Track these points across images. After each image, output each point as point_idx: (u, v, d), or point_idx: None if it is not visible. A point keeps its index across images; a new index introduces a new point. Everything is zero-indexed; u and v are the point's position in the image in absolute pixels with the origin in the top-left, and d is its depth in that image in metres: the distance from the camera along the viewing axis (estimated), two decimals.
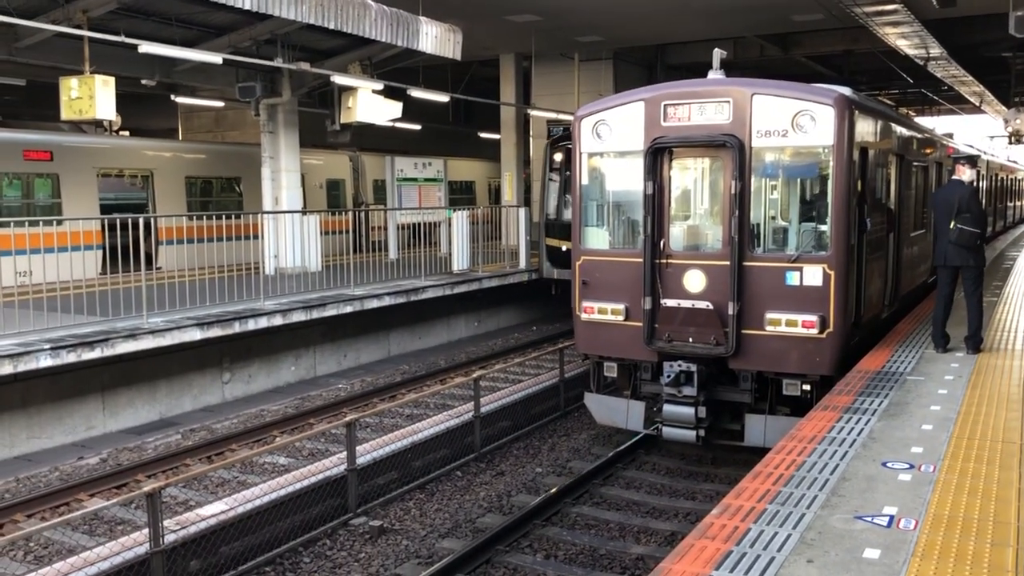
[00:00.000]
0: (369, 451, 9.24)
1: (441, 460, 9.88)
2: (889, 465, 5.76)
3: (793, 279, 8.82)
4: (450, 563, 7.31)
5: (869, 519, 4.85)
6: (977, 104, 31.45)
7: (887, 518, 4.86)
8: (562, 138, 17.98)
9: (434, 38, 14.67)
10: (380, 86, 15.98)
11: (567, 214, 16.17)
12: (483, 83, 24.02)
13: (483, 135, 29.03)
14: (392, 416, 11.87)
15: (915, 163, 12.95)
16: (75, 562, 6.52)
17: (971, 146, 25.81)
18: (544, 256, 18.26)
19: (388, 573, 7.42)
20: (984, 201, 18.42)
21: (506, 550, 7.82)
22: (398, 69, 17.15)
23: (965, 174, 9.15)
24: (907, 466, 5.73)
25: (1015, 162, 40.79)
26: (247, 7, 11.45)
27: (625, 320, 9.55)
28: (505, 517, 8.49)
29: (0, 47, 12.88)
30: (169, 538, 6.77)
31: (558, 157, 17.77)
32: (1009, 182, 33.99)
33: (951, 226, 8.87)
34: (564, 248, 16.60)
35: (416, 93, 17.40)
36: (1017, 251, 22.86)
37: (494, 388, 12.56)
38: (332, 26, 12.78)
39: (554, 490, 9.13)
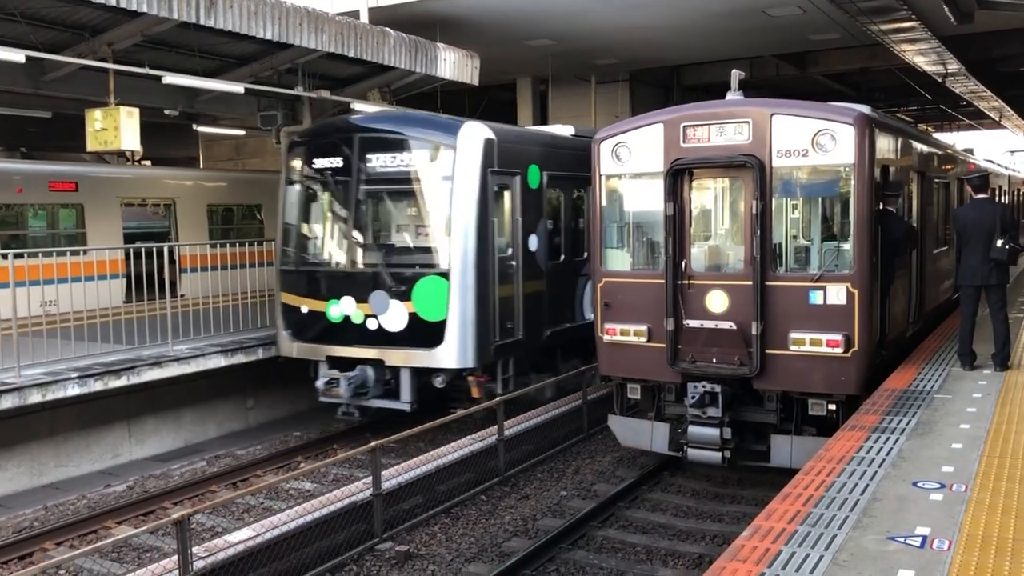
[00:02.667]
0: (394, 475, 9.24)
1: (466, 484, 9.87)
2: (920, 485, 5.71)
3: (816, 298, 8.79)
4: None
5: (902, 540, 4.81)
6: (996, 119, 31.31)
7: (920, 539, 4.82)
8: (314, 135, 12.90)
9: (452, 64, 14.81)
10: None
11: (313, 250, 12.56)
12: (500, 107, 24.15)
13: None
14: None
15: (936, 179, 12.90)
16: None
17: (992, 161, 25.67)
18: (281, 319, 12.51)
19: None
20: None
21: (533, 574, 7.79)
22: (417, 94, 17.30)
23: (988, 192, 9.14)
24: (938, 486, 5.68)
25: None
26: (269, 37, 11.62)
27: (648, 341, 9.54)
28: (531, 541, 8.46)
29: (27, 81, 13.10)
30: (198, 564, 6.80)
31: (297, 164, 12.59)
32: None
33: (999, 244, 8.80)
34: (305, 309, 12.11)
35: None
36: None
37: None
38: (352, 54, 12.93)
39: (586, 511, 9.09)
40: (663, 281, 9.36)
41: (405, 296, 11.43)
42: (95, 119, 12.26)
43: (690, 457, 9.42)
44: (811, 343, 8.74)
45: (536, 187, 12.71)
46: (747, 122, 9.03)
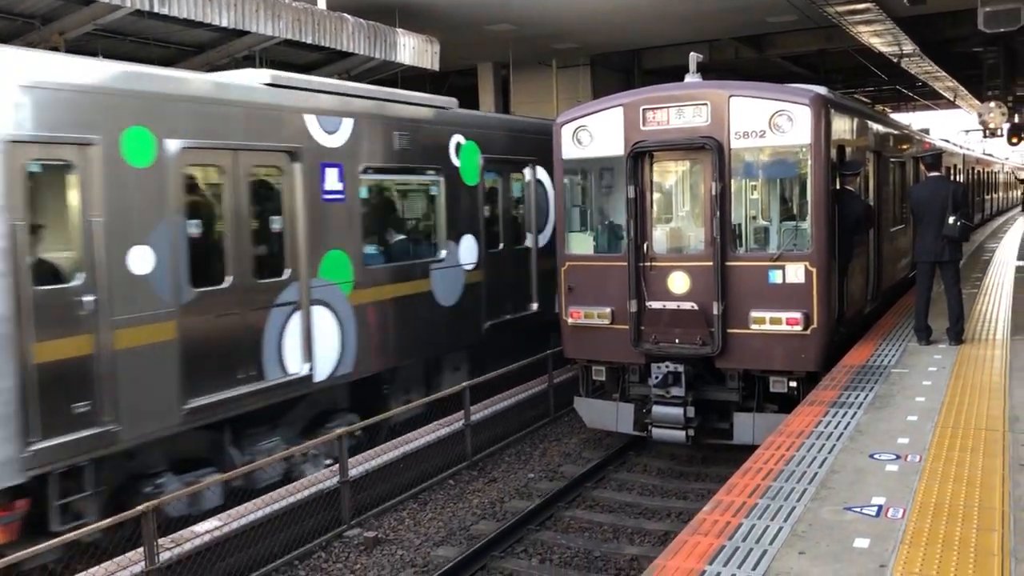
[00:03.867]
0: (361, 462, 9.24)
1: (434, 469, 9.90)
2: (876, 456, 5.85)
3: (776, 277, 8.93)
4: (446, 571, 7.35)
5: (858, 510, 4.93)
6: (951, 99, 31.77)
7: (875, 508, 4.94)
8: None
9: (412, 49, 14.74)
10: None
11: None
12: (461, 92, 24.08)
13: None
14: None
15: (892, 159, 13.11)
16: None
17: (947, 140, 26.12)
18: None
19: None
20: None
21: (501, 556, 7.86)
22: (376, 81, 17.20)
23: (942, 171, 9.32)
24: (894, 457, 5.82)
25: (991, 155, 41.26)
26: (225, 24, 11.48)
27: (611, 324, 9.63)
28: (499, 523, 8.52)
29: None
30: (164, 556, 6.77)
31: None
32: (986, 175, 34.39)
33: (951, 222, 8.98)
34: None
35: None
36: (995, 243, 23.13)
37: None
38: (310, 40, 12.81)
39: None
40: (625, 264, 9.44)
41: None
42: None
43: (655, 436, 9.54)
44: (771, 321, 8.89)
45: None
46: (705, 104, 9.12)
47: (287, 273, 8.93)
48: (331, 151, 9.48)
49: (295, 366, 8.96)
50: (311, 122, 9.23)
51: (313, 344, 9.15)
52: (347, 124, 9.72)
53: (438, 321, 11.19)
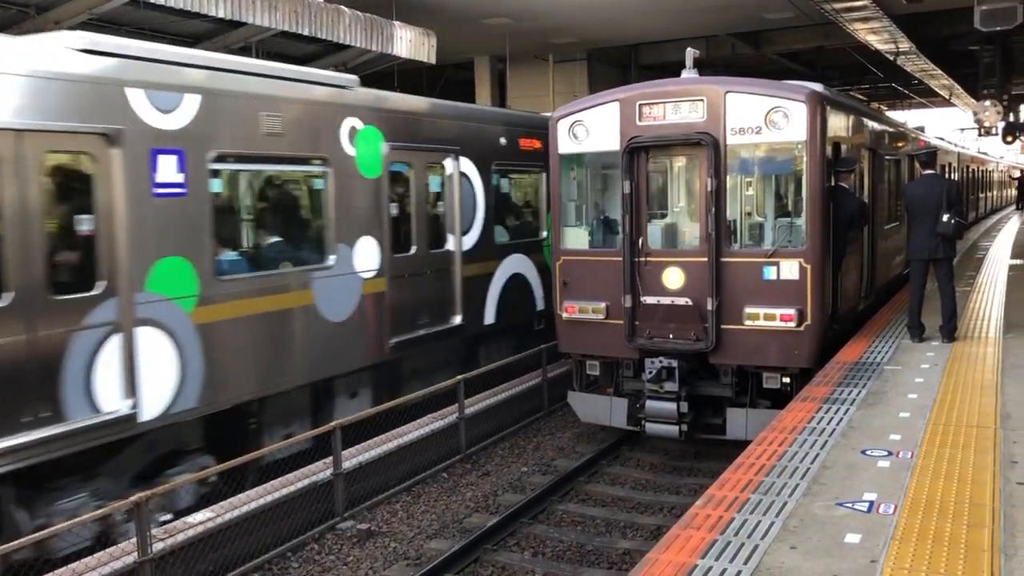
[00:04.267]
0: (355, 455, 9.25)
1: (428, 462, 9.91)
2: (868, 453, 5.87)
3: (770, 274, 8.94)
4: (439, 564, 7.36)
5: (850, 505, 4.96)
6: (947, 97, 31.84)
7: (867, 504, 4.97)
8: None
9: (408, 42, 14.72)
10: None
11: None
12: (458, 86, 24.05)
13: None
14: None
15: (887, 156, 13.14)
16: (63, 573, 6.50)
17: (942, 138, 26.17)
18: None
19: None
20: None
21: (494, 549, 7.88)
22: (373, 73, 17.17)
23: (936, 168, 9.34)
24: (886, 453, 5.84)
25: (986, 154, 41.35)
26: (221, 15, 11.45)
27: (606, 318, 9.64)
28: (492, 516, 8.54)
29: None
30: (157, 547, 6.77)
31: None
32: (981, 174, 34.46)
33: (945, 219, 9.00)
34: None
35: None
36: (989, 242, 23.20)
37: None
38: (306, 32, 12.78)
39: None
40: (620, 259, 9.46)
41: None
42: None
43: (648, 431, 9.56)
44: (765, 318, 8.90)
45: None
46: (701, 100, 9.13)
47: (100, 287, 7.12)
48: (167, 134, 7.67)
49: (111, 403, 7.16)
50: (136, 98, 7.40)
51: (137, 375, 7.33)
52: (191, 101, 7.87)
53: (324, 340, 9.36)
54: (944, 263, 9.36)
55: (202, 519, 7.48)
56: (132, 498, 6.61)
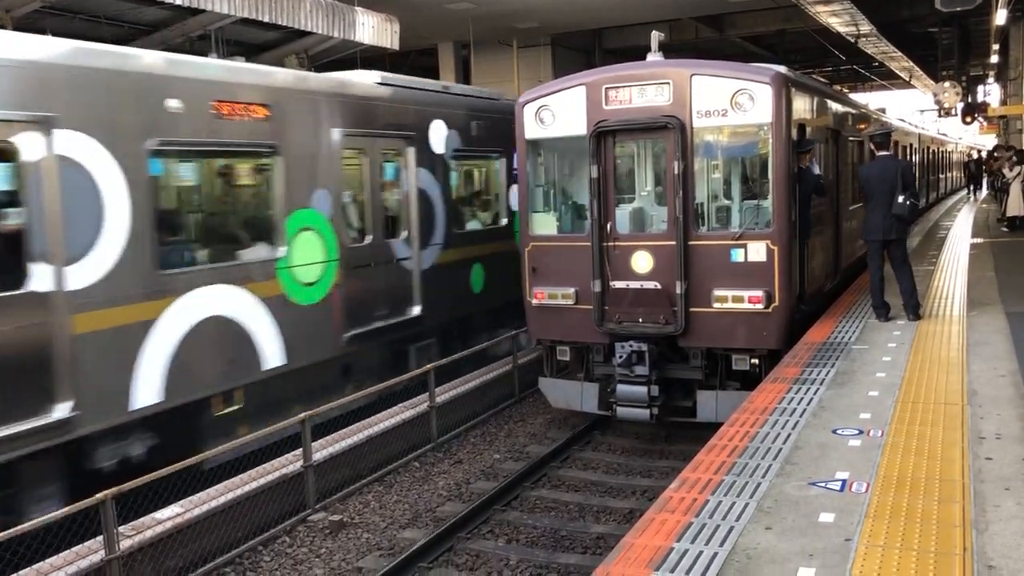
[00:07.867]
0: (325, 446, 9.16)
1: (399, 452, 9.85)
2: (839, 432, 5.91)
3: (738, 256, 8.97)
4: (412, 553, 7.31)
5: (823, 485, 4.98)
6: (907, 79, 32.24)
7: (840, 483, 4.99)
8: None
9: (371, 28, 14.57)
10: None
11: None
12: (422, 72, 23.89)
13: None
14: None
15: (851, 138, 13.24)
16: (28, 574, 6.36)
17: (903, 120, 26.46)
18: None
19: (350, 567, 7.39)
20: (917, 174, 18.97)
21: (468, 537, 7.84)
22: (335, 60, 16.97)
23: (891, 149, 9.41)
24: (856, 432, 5.88)
25: (946, 135, 41.92)
26: (179, 2, 11.24)
27: (576, 304, 9.62)
28: (465, 504, 8.51)
29: None
30: (124, 544, 6.65)
31: None
32: (941, 155, 34.93)
33: (900, 200, 9.06)
34: None
35: None
36: (950, 221, 23.52)
37: None
38: (267, 19, 12.59)
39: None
40: (589, 244, 9.43)
41: None
42: None
43: (619, 415, 9.58)
44: (733, 300, 8.93)
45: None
46: (667, 83, 9.11)
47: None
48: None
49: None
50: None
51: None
52: None
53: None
54: (899, 243, 9.43)
55: (170, 515, 7.36)
56: (98, 495, 6.48)
